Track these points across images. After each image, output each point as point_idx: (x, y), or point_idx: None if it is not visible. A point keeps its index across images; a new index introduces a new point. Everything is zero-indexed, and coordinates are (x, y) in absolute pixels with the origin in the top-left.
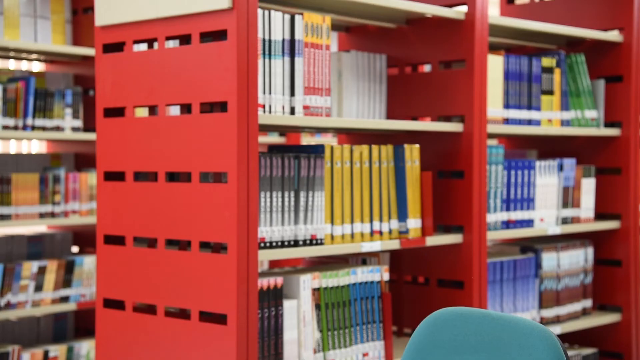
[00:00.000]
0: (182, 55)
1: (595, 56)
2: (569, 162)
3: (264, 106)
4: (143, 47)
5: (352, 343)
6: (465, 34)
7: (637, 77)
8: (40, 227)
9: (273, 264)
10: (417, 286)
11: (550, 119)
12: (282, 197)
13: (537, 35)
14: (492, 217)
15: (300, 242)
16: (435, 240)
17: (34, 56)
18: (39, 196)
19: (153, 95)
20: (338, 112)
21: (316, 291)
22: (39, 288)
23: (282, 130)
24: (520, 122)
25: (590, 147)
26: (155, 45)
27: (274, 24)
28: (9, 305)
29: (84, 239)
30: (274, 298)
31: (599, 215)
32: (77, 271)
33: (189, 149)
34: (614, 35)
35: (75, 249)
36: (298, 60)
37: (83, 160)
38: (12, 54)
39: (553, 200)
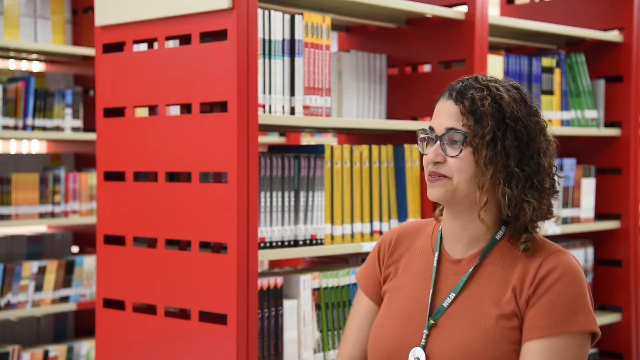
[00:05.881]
0: (182, 55)
1: (595, 56)
2: (569, 162)
3: (264, 106)
4: (143, 47)
5: None
6: (465, 34)
7: (637, 77)
8: (40, 227)
9: (273, 264)
10: None
11: (550, 119)
12: (282, 197)
13: (537, 35)
14: None
15: (300, 242)
16: None
17: (34, 56)
18: (39, 196)
19: (153, 95)
20: (338, 112)
21: (316, 291)
22: (39, 288)
23: (282, 130)
24: None
25: (590, 147)
26: (155, 45)
27: (274, 24)
28: (9, 305)
29: (84, 239)
30: (274, 298)
31: (599, 215)
32: (77, 271)
33: (189, 149)
34: (614, 35)
35: (75, 249)
36: (298, 60)
37: (83, 160)
38: (12, 54)
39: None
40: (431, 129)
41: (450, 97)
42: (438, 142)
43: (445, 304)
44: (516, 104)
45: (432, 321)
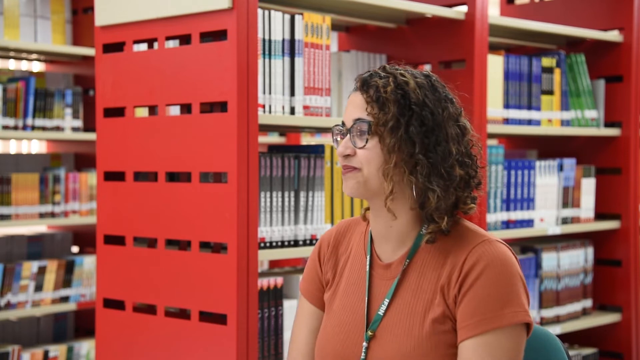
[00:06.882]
0: (182, 55)
1: (595, 56)
2: (569, 162)
3: (264, 106)
4: (143, 47)
5: None
6: (465, 34)
7: (637, 77)
8: (40, 227)
9: (273, 264)
10: None
11: (550, 119)
12: (282, 197)
13: (537, 35)
14: (492, 217)
15: (300, 242)
16: None
17: (34, 56)
18: (39, 196)
19: (153, 95)
20: (338, 112)
21: None
22: (39, 288)
23: (282, 130)
24: (520, 122)
25: (590, 147)
26: (155, 45)
27: (274, 24)
28: (9, 305)
29: (84, 239)
30: (274, 298)
31: (599, 215)
32: (77, 271)
33: (189, 149)
34: (614, 35)
35: (75, 249)
36: (298, 60)
37: (83, 160)
38: (12, 54)
39: (553, 200)
40: (343, 123)
41: (357, 89)
42: (348, 134)
43: (380, 312)
44: (422, 90)
45: (370, 332)
